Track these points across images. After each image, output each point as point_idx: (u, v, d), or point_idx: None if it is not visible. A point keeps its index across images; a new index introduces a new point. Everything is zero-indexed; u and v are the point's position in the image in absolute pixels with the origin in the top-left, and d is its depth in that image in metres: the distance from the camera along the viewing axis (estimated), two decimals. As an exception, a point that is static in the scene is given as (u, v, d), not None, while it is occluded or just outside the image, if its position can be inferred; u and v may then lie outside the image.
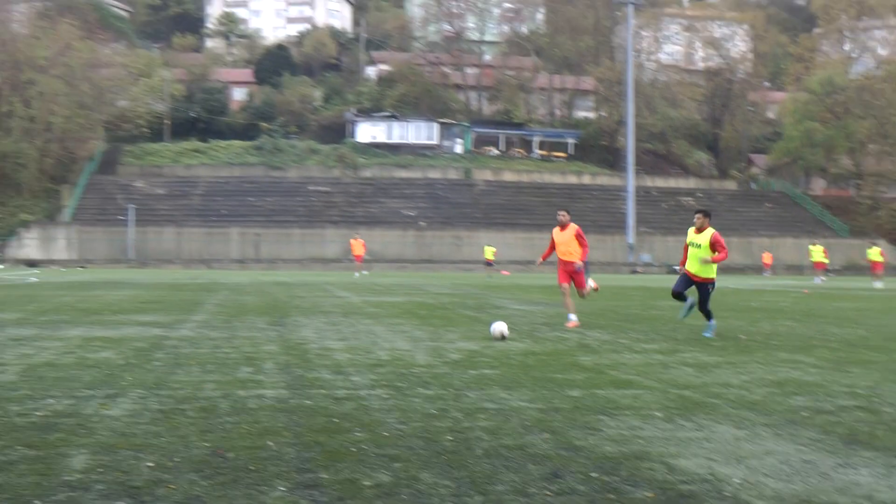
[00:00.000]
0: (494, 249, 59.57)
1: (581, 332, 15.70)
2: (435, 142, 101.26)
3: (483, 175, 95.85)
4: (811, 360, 12.04)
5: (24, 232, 79.61)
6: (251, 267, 72.92)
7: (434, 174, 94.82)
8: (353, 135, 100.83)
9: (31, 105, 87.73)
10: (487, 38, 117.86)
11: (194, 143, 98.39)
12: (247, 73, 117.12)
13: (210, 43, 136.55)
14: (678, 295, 15.38)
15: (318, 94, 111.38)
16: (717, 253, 14.77)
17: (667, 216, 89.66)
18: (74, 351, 11.91)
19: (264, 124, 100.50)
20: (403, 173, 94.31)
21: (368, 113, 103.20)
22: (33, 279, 42.57)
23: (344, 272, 62.04)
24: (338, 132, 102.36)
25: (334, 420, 7.27)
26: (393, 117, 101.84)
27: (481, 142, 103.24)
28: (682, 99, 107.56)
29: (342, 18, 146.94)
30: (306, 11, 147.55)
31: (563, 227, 17.87)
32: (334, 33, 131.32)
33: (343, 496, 5.07)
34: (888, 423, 7.55)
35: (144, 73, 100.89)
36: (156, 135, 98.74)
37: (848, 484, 5.58)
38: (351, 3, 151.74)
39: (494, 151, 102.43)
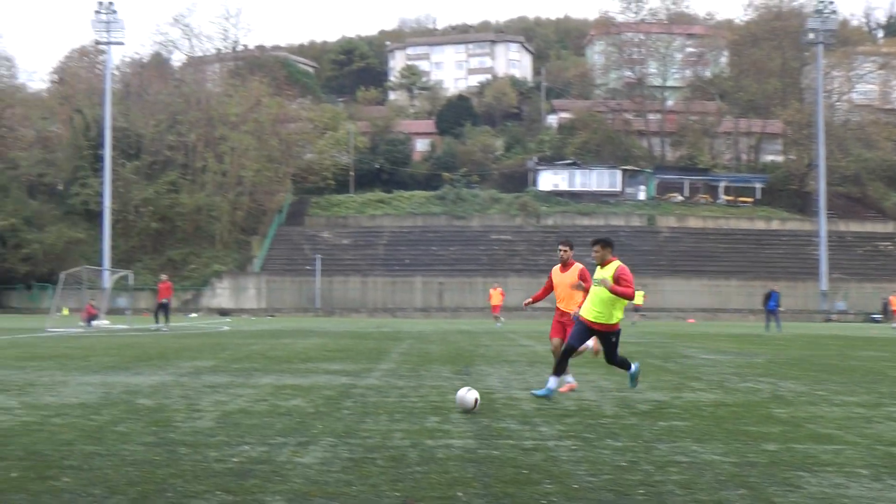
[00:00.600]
0: (644, 293, 57.80)
1: (774, 383, 15.21)
2: (617, 189, 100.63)
3: (667, 222, 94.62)
4: None
5: (216, 282, 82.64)
6: (435, 315, 73.68)
7: (617, 221, 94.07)
8: (534, 183, 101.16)
9: (223, 160, 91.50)
10: (670, 83, 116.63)
11: (378, 194, 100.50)
12: (429, 125, 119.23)
13: (393, 95, 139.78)
14: (569, 351, 12.36)
15: (499, 143, 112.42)
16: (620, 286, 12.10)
17: (862, 262, 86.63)
18: (266, 398, 12.19)
19: (446, 174, 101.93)
20: (586, 221, 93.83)
21: (550, 161, 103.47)
22: (225, 328, 44.04)
23: (527, 321, 61.99)
24: (519, 181, 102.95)
25: (523, 471, 7.21)
26: (575, 165, 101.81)
27: (665, 188, 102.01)
28: (878, 139, 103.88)
29: (522, 68, 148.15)
30: (487, 62, 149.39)
31: (565, 265, 14.04)
32: (515, 83, 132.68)
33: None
34: None
35: (330, 126, 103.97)
36: (341, 186, 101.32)
37: None
38: (531, 53, 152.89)
39: (679, 198, 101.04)
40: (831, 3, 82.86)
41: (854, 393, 13.86)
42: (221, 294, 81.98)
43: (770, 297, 44.80)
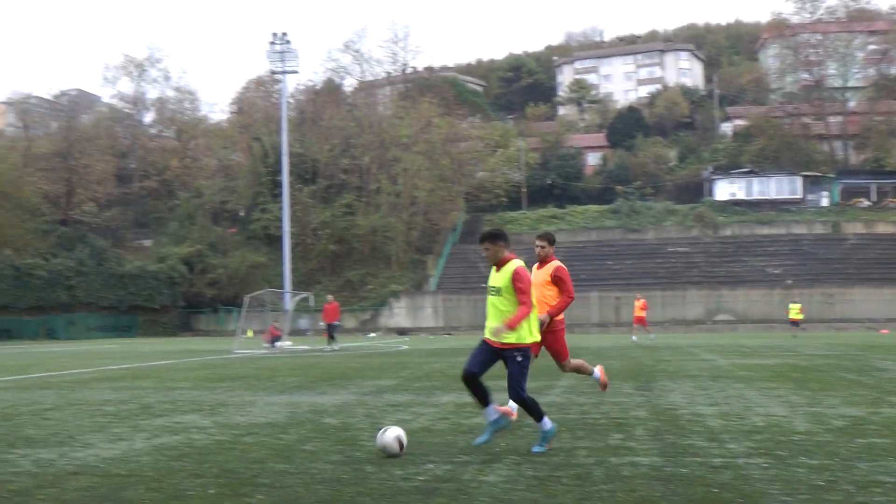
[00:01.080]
0: (800, 306, 56.47)
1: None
2: (798, 196, 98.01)
3: (853, 228, 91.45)
4: None
5: (393, 301, 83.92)
6: (612, 331, 72.86)
7: (799, 229, 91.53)
8: (710, 193, 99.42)
9: (396, 181, 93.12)
10: (851, 83, 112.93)
11: (551, 210, 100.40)
12: (599, 138, 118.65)
13: (562, 110, 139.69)
14: (469, 379, 9.25)
15: (672, 153, 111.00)
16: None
17: None
18: (448, 417, 12.25)
19: (619, 187, 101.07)
20: (765, 230, 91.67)
21: (726, 170, 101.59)
22: (404, 346, 44.60)
23: (707, 333, 60.91)
24: (694, 191, 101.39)
25: (713, 490, 7.02)
26: (752, 173, 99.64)
27: (849, 193, 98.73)
28: None
29: (693, 76, 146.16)
30: (657, 72, 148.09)
31: (542, 262, 12.25)
32: (686, 91, 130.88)
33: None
34: None
35: (500, 143, 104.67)
36: (513, 203, 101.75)
37: None
38: (702, 61, 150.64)
39: (865, 203, 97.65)
40: None
41: None
42: (399, 313, 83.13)
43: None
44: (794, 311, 54.68)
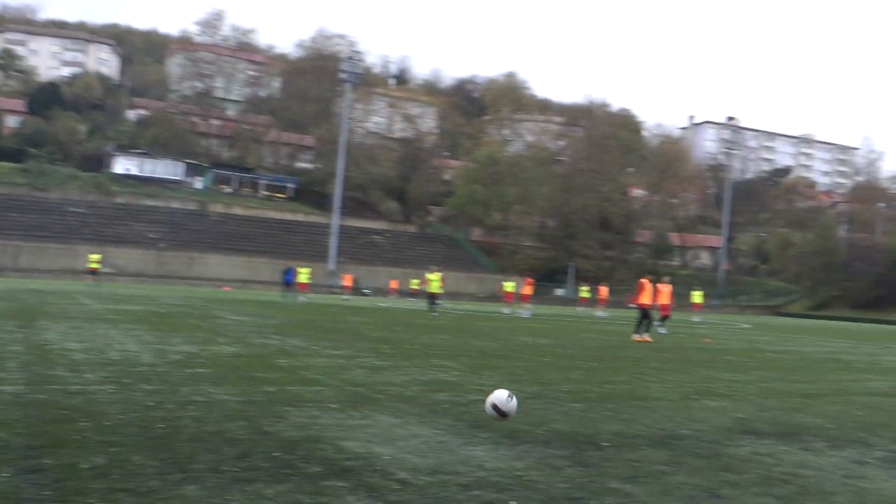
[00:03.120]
0: (100, 257, 54.97)
1: (282, 340, 15.69)
2: (180, 178, 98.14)
3: (217, 208, 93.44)
4: (455, 365, 12.54)
5: None
6: (9, 275, 67.38)
7: (177, 204, 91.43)
8: (110, 166, 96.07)
9: None
10: (232, 96, 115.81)
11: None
12: (20, 104, 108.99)
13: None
14: None
15: (83, 128, 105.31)
16: None
17: (361, 249, 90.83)
18: None
19: (34, 150, 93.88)
20: (151, 202, 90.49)
21: (125, 149, 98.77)
22: None
23: (90, 282, 58.83)
24: (97, 163, 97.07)
25: (63, 412, 6.88)
26: (146, 154, 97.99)
27: (218, 181, 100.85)
28: (381, 159, 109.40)
29: (111, 67, 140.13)
30: (80, 57, 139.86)
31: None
32: (102, 79, 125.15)
33: (62, 478, 4.80)
34: None
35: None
36: None
37: (467, 457, 5.88)
38: (120, 56, 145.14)
39: (228, 190, 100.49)
40: (361, 53, 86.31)
41: (339, 348, 14.59)
42: None
43: (288, 273, 45.90)
44: (94, 262, 52.63)
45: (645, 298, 22.86)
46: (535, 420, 7.68)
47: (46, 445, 5.62)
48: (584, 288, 62.83)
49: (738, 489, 5.44)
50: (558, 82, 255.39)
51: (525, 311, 43.08)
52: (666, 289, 26.82)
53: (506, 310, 44.05)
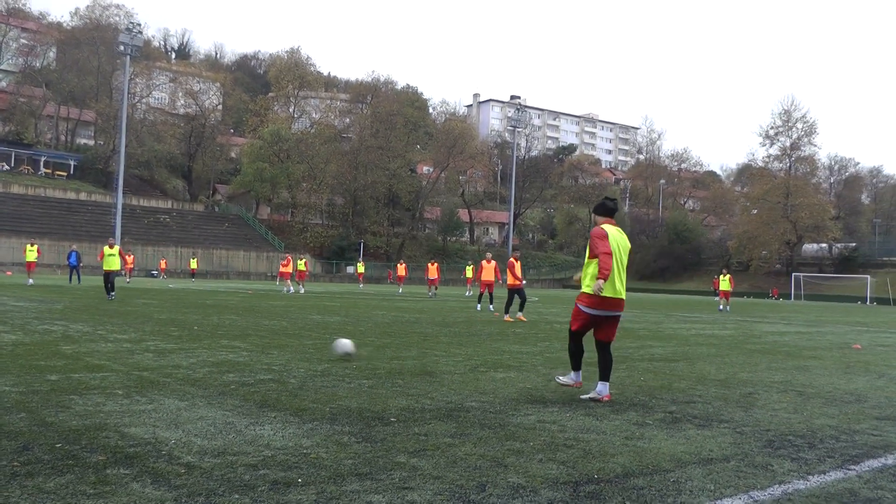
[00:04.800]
0: None
1: (66, 325, 15.05)
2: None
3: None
4: (245, 345, 12.42)
5: None
6: None
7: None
8: None
9: None
10: (4, 66, 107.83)
11: None
12: None
13: None
14: None
15: None
16: None
17: (147, 229, 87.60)
18: None
19: None
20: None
21: None
22: None
23: None
24: None
25: None
26: None
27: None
28: (166, 136, 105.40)
29: None
30: None
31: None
32: None
33: None
34: (291, 391, 7.99)
35: None
36: None
37: (255, 437, 5.86)
38: None
39: (6, 167, 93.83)
40: (139, 25, 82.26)
41: (126, 332, 14.14)
42: None
43: (72, 255, 43.73)
44: None
45: (511, 278, 22.60)
46: (322, 397, 7.71)
47: None
48: (360, 264, 63.42)
49: (523, 456, 5.58)
50: (343, 59, 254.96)
51: (296, 287, 43.27)
52: (490, 265, 27.50)
53: (286, 288, 43.23)
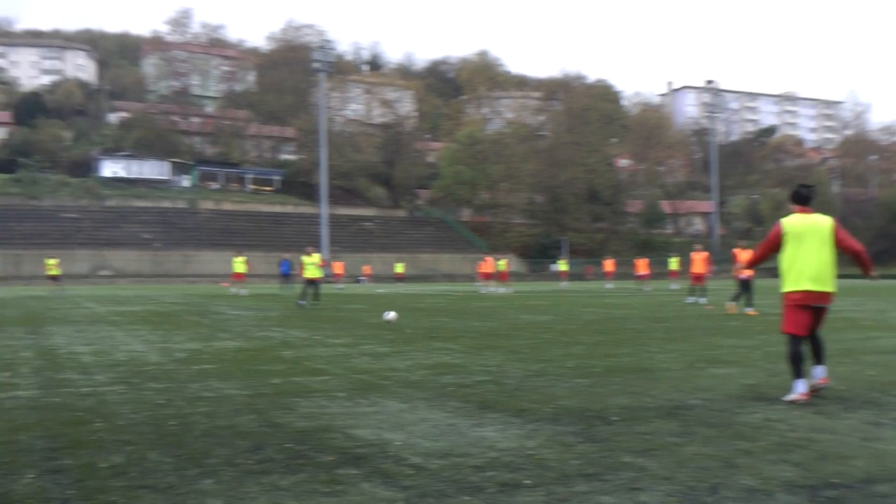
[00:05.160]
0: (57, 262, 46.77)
1: (284, 331, 15.65)
2: (167, 177, 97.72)
3: (206, 204, 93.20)
4: (458, 346, 12.42)
5: None
6: (13, 283, 67.12)
7: (166, 203, 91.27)
8: (97, 170, 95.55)
9: None
10: (209, 93, 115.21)
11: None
12: (6, 115, 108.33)
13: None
14: None
15: (67, 134, 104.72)
16: None
17: (352, 237, 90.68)
18: None
19: (22, 160, 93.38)
20: (140, 203, 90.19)
21: (111, 152, 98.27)
22: None
23: (91, 286, 58.66)
24: (85, 167, 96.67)
25: (78, 414, 6.94)
26: (131, 156, 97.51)
27: (205, 178, 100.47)
28: (364, 146, 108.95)
29: (88, 72, 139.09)
30: (58, 65, 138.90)
31: None
32: (81, 84, 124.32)
33: (83, 477, 4.87)
34: (509, 392, 7.93)
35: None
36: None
37: (478, 438, 5.83)
38: (96, 60, 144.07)
39: (215, 185, 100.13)
40: (332, 41, 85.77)
41: (341, 336, 14.49)
42: None
43: (284, 264, 45.67)
44: (51, 266, 45.05)
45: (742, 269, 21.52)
46: (541, 398, 7.61)
47: (65, 447, 5.69)
48: (563, 261, 62.51)
49: (753, 457, 5.32)
50: (531, 57, 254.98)
51: (502, 288, 42.96)
52: (700, 257, 26.54)
53: (486, 289, 43.18)
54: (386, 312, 13.90)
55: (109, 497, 4.49)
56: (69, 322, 18.78)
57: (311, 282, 26.01)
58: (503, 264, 44.58)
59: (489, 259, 46.62)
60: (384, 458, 5.30)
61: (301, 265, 26.58)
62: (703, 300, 26.00)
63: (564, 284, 55.45)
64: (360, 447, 5.59)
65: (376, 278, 74.58)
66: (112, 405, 7.38)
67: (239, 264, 41.40)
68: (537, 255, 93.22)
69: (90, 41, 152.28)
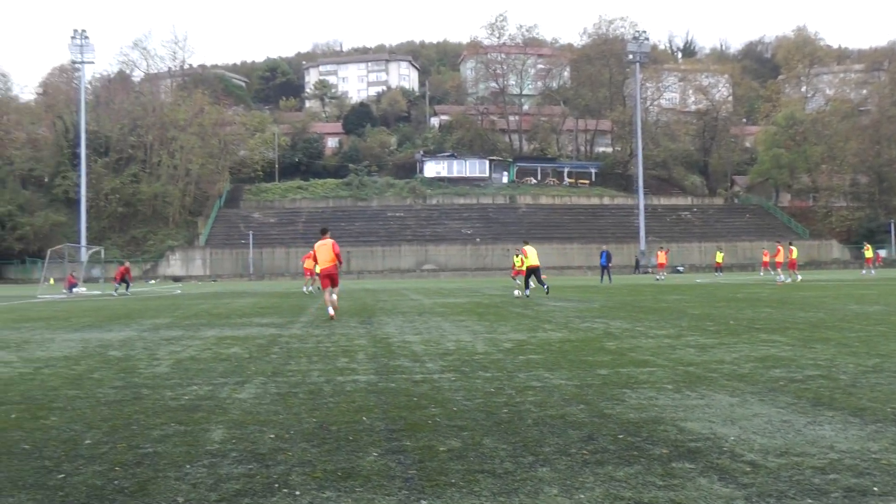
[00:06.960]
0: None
1: (606, 323, 15.46)
2: (486, 175, 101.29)
3: (525, 200, 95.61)
4: (785, 339, 11.82)
5: (170, 254, 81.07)
6: (343, 278, 72.87)
7: (486, 200, 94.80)
8: (421, 171, 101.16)
9: (174, 156, 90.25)
10: (525, 92, 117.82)
11: (298, 182, 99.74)
12: (337, 126, 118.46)
13: (308, 104, 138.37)
14: None
15: (393, 140, 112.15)
16: None
17: (670, 227, 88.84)
18: (211, 348, 12.04)
19: (352, 165, 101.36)
20: (462, 200, 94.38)
21: (433, 154, 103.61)
22: (178, 291, 43.19)
23: (416, 280, 62.05)
24: (409, 169, 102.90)
25: (414, 399, 7.21)
26: (452, 156, 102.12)
27: (523, 174, 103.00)
28: (679, 134, 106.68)
29: (411, 80, 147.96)
30: (383, 77, 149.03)
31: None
32: (405, 92, 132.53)
33: (423, 459, 5.03)
34: (843, 388, 7.42)
35: (259, 128, 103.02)
36: (268, 176, 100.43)
37: (816, 437, 5.51)
38: (417, 69, 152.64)
39: (533, 181, 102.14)
40: (644, 32, 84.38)
41: (663, 327, 14.15)
42: (174, 264, 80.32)
43: (603, 256, 45.46)
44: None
45: None
46: (880, 396, 6.99)
47: (404, 429, 5.92)
48: (868, 247, 56.81)
49: None
50: (854, 27, 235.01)
51: (785, 276, 39.95)
52: None
53: (780, 277, 40.54)
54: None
55: (450, 479, 4.60)
56: (398, 313, 19.79)
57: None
58: (795, 252, 41.12)
59: (779, 248, 43.24)
60: (719, 453, 5.13)
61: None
62: None
63: (865, 272, 50.73)
64: (693, 441, 5.44)
65: (694, 267, 72.32)
66: (445, 392, 7.58)
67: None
68: (861, 241, 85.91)
69: (412, 51, 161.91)
